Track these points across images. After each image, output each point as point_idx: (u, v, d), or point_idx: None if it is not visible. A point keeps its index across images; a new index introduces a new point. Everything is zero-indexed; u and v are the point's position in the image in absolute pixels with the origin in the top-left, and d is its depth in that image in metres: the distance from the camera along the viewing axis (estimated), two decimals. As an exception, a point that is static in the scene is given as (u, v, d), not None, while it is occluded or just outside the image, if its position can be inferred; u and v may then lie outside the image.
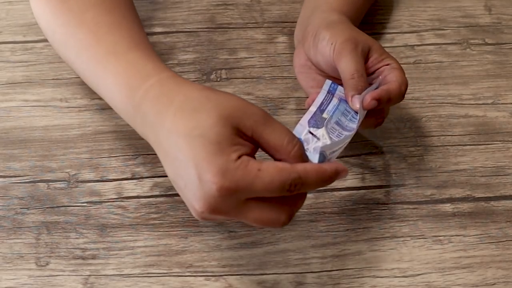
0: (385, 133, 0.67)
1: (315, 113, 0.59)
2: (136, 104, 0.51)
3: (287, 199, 0.48)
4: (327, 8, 0.66)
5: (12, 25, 0.75)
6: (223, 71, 0.72)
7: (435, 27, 0.76)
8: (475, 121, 0.69)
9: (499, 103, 0.70)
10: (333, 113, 0.59)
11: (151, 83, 0.50)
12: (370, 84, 0.60)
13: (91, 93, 0.69)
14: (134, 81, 0.51)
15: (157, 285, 0.58)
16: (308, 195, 0.63)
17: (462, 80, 0.72)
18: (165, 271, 0.59)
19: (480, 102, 0.70)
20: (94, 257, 0.59)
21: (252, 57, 0.73)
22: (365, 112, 0.58)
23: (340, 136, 0.58)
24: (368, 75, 0.61)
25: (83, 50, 0.56)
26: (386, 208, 0.63)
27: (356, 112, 0.58)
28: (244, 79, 0.71)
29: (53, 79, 0.70)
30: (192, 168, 0.46)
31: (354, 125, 0.58)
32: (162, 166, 0.64)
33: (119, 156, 0.65)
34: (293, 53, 0.73)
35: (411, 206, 0.63)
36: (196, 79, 0.71)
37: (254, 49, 0.74)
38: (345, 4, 0.67)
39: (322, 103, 0.59)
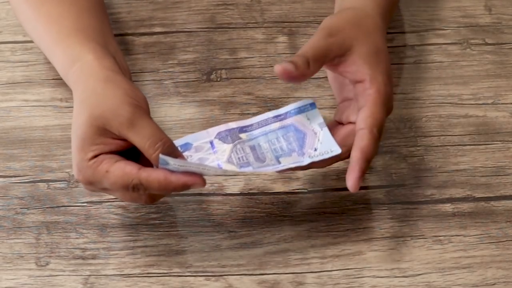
0: (385, 133, 0.67)
1: (231, 129, 0.58)
2: (69, 83, 0.59)
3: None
4: None
5: (12, 25, 0.75)
6: (223, 71, 0.72)
7: (435, 27, 0.76)
8: (475, 121, 0.69)
9: (499, 103, 0.70)
10: (256, 137, 0.58)
11: (74, 69, 0.57)
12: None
13: (91, 93, 0.69)
14: (66, 64, 0.58)
15: (157, 285, 0.58)
16: (308, 195, 0.63)
17: (462, 80, 0.72)
18: (165, 271, 0.59)
19: (480, 102, 0.70)
20: (94, 257, 0.59)
21: (252, 57, 0.73)
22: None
23: (241, 163, 0.56)
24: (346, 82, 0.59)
25: (41, 42, 0.63)
26: (386, 208, 0.63)
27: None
28: (244, 79, 0.71)
29: (53, 79, 0.70)
30: (72, 151, 0.54)
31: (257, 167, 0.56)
32: (162, 166, 0.64)
33: (119, 156, 0.65)
34: (293, 53, 0.73)
35: (411, 206, 0.63)
36: (196, 79, 0.71)
37: (254, 49, 0.74)
38: None
39: (249, 126, 0.58)
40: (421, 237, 0.61)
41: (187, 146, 0.57)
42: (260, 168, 0.56)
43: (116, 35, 0.73)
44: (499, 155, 0.66)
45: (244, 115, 0.68)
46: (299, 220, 0.62)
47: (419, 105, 0.69)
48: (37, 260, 0.59)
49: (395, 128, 0.68)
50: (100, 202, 0.62)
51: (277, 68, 0.55)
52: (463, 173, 0.65)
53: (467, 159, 0.66)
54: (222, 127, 0.58)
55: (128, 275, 0.58)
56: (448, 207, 0.63)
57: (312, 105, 0.58)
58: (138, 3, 0.77)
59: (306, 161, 0.56)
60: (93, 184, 0.54)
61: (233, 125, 0.58)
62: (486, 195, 0.64)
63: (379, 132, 0.56)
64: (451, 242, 0.61)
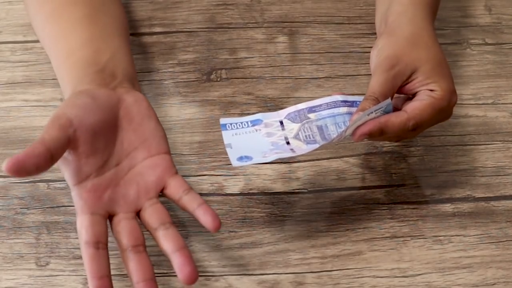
0: (385, 133, 0.67)
1: (301, 110, 0.58)
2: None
3: None
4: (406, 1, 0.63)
5: (12, 25, 0.75)
6: (223, 71, 0.72)
7: (435, 27, 0.76)
8: (475, 121, 0.69)
9: (499, 103, 0.70)
10: (324, 118, 0.58)
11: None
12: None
13: (91, 93, 0.69)
14: (68, 88, 0.58)
15: (157, 285, 0.58)
16: (308, 195, 0.63)
17: (462, 80, 0.72)
18: (165, 271, 0.59)
19: (480, 102, 0.70)
20: (94, 257, 0.59)
21: (252, 57, 0.73)
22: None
23: (308, 140, 0.57)
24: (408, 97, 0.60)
25: (49, 49, 0.64)
26: (386, 208, 0.63)
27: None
28: (244, 79, 0.71)
29: (53, 79, 0.70)
30: None
31: (325, 140, 0.57)
32: (162, 166, 0.64)
33: (119, 156, 0.65)
34: (293, 53, 0.73)
35: (411, 206, 0.63)
36: (196, 79, 0.71)
37: (254, 49, 0.74)
38: None
39: (318, 106, 0.59)
40: (421, 237, 0.61)
41: (257, 121, 0.58)
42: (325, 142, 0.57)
43: (116, 35, 0.74)
44: (499, 155, 0.66)
45: (244, 115, 0.68)
46: (299, 220, 0.62)
47: (419, 105, 0.69)
48: (37, 260, 0.59)
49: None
50: (100, 202, 0.62)
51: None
52: (463, 173, 0.65)
53: (467, 159, 0.66)
54: (292, 109, 0.59)
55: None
56: (448, 207, 0.63)
57: (388, 106, 0.57)
58: (138, 3, 0.77)
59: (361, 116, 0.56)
60: None
61: (302, 106, 0.59)
62: (486, 195, 0.64)
63: (413, 128, 0.57)
64: (451, 242, 0.61)
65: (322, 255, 0.60)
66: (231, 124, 0.57)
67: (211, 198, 0.63)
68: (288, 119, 0.59)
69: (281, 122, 0.59)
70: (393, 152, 0.66)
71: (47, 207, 0.62)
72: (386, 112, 0.57)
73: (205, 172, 0.64)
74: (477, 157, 0.66)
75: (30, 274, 0.59)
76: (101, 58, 0.59)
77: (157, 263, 0.59)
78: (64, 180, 0.63)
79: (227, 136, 0.57)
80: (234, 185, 0.64)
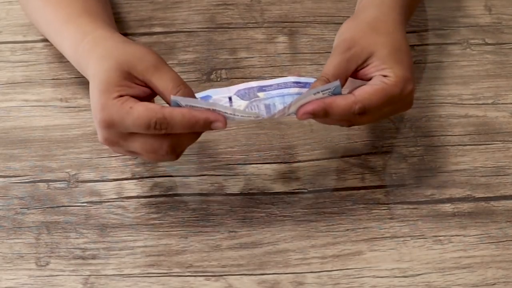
0: (385, 133, 0.67)
1: (251, 88, 0.58)
2: (78, 57, 0.60)
3: (170, 135, 0.54)
4: None
5: (12, 25, 0.75)
6: (223, 71, 0.72)
7: (435, 27, 0.76)
8: (475, 121, 0.69)
9: (499, 103, 0.70)
10: (273, 97, 0.57)
11: (87, 40, 0.59)
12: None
13: (91, 93, 0.69)
14: (78, 39, 0.60)
15: (157, 285, 0.58)
16: (308, 195, 0.63)
17: (462, 80, 0.72)
18: (165, 271, 0.59)
19: (480, 102, 0.70)
20: (94, 257, 0.59)
21: (252, 57, 0.73)
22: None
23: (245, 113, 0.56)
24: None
25: (50, 26, 0.66)
26: (386, 208, 0.63)
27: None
28: (244, 79, 0.71)
29: (53, 79, 0.70)
30: (92, 103, 0.55)
31: (267, 113, 0.56)
32: (162, 166, 0.64)
33: (119, 156, 0.65)
34: (293, 53, 0.73)
35: (411, 206, 0.63)
36: (196, 79, 0.71)
37: (254, 49, 0.74)
38: None
39: (269, 86, 0.58)
40: (421, 237, 0.61)
41: (207, 98, 0.58)
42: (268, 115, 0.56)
43: (116, 35, 0.74)
44: (499, 155, 0.66)
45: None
46: (299, 220, 0.62)
47: (419, 105, 0.69)
48: (37, 260, 0.59)
49: (395, 128, 0.68)
50: (100, 202, 0.62)
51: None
52: (463, 173, 0.65)
53: (467, 159, 0.66)
54: (242, 86, 0.58)
55: (128, 275, 0.58)
56: (448, 207, 0.63)
57: (337, 88, 0.56)
58: (138, 3, 0.77)
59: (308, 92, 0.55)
60: (113, 125, 0.53)
61: (253, 84, 0.58)
62: (486, 195, 0.64)
63: (360, 111, 0.55)
64: (451, 242, 0.61)
65: (322, 255, 0.60)
66: (182, 100, 0.55)
67: (211, 198, 0.63)
68: (238, 96, 0.58)
69: (230, 98, 0.58)
70: (393, 152, 0.66)
71: (47, 207, 0.62)
72: (334, 94, 0.56)
73: (205, 172, 0.64)
74: (477, 157, 0.66)
75: (30, 274, 0.59)
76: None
77: (157, 263, 0.59)
78: (64, 180, 0.63)
79: None
80: (234, 185, 0.64)
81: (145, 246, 0.60)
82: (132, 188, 0.63)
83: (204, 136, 0.66)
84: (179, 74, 0.55)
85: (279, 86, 0.58)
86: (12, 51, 0.73)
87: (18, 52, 0.73)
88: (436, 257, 0.60)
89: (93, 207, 0.62)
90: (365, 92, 0.56)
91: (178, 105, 0.53)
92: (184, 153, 0.65)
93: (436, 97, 0.70)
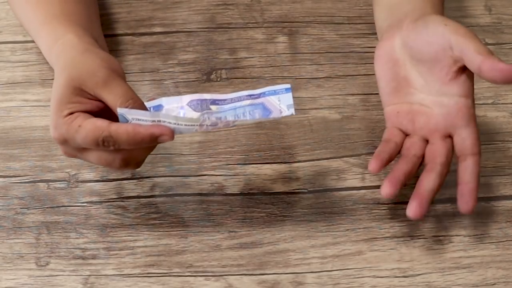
0: (385, 133, 0.67)
1: (204, 100, 0.57)
2: (52, 62, 0.61)
3: (122, 149, 0.54)
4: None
5: (12, 25, 0.75)
6: (223, 71, 0.72)
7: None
8: (475, 121, 0.69)
9: (499, 103, 0.70)
10: (226, 111, 0.57)
11: (57, 45, 0.60)
12: None
13: (91, 93, 0.69)
14: (50, 42, 0.61)
15: (157, 285, 0.58)
16: (308, 195, 0.63)
17: (462, 80, 0.71)
18: (165, 271, 0.59)
19: (480, 102, 0.70)
20: (94, 257, 0.59)
21: (252, 57, 0.73)
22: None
23: (188, 125, 0.55)
24: None
25: (28, 24, 0.66)
26: (386, 208, 0.63)
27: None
28: (244, 79, 0.71)
29: (53, 79, 0.70)
30: (50, 117, 0.55)
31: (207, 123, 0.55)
32: (162, 166, 0.64)
33: (119, 156, 0.65)
34: (293, 53, 0.73)
35: (411, 206, 0.63)
36: (196, 79, 0.71)
37: (254, 49, 0.74)
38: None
39: (222, 100, 0.57)
40: (421, 237, 0.61)
41: (159, 107, 0.58)
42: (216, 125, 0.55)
43: (116, 35, 0.74)
44: (499, 155, 0.66)
45: (244, 115, 0.68)
46: (299, 220, 0.62)
47: (419, 105, 0.69)
48: (37, 260, 0.59)
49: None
50: (100, 202, 0.62)
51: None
52: (463, 173, 0.65)
53: (467, 159, 0.66)
54: (196, 96, 0.58)
55: (128, 275, 0.58)
56: (448, 207, 0.63)
57: (288, 90, 0.57)
58: (138, 3, 0.77)
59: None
60: (67, 142, 0.55)
61: (207, 96, 0.58)
62: (486, 195, 0.64)
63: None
64: (451, 242, 0.61)
65: (322, 255, 0.60)
66: (127, 113, 0.54)
67: (211, 198, 0.63)
68: (190, 106, 0.57)
69: (182, 108, 0.58)
70: (393, 152, 0.66)
71: (47, 207, 0.62)
72: (278, 94, 0.57)
73: (205, 172, 0.64)
74: (477, 157, 0.66)
75: (30, 274, 0.59)
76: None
77: (157, 263, 0.59)
78: (64, 180, 0.63)
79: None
80: (234, 185, 0.64)
81: (145, 246, 0.60)
82: (132, 188, 0.63)
83: (204, 136, 0.67)
84: (179, 74, 0.54)
85: (232, 101, 0.58)
86: (12, 51, 0.73)
87: (18, 52, 0.73)
88: (436, 257, 0.60)
89: (93, 207, 0.62)
90: (475, 139, 0.58)
91: (125, 118, 0.53)
92: (184, 153, 0.65)
93: (436, 97, 0.70)
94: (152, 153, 0.64)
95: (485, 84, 0.71)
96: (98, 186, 0.63)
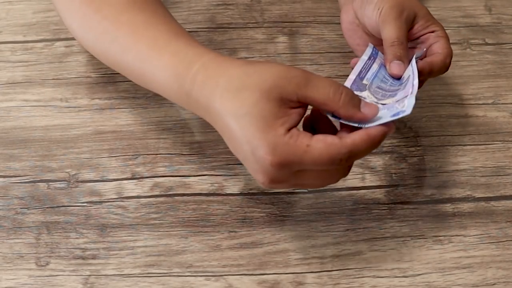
0: (385, 133, 0.67)
1: (355, 80, 0.56)
2: (187, 92, 0.52)
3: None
4: None
5: (12, 25, 0.75)
6: (223, 71, 0.72)
7: None
8: (475, 121, 0.69)
9: (499, 103, 0.70)
10: (373, 79, 0.57)
11: (196, 69, 0.51)
12: (414, 48, 0.61)
13: (91, 93, 0.69)
14: (181, 70, 0.52)
15: (157, 285, 0.58)
16: (308, 195, 0.63)
17: (462, 80, 0.72)
18: (165, 271, 0.59)
19: (480, 102, 0.70)
20: (94, 257, 0.59)
21: (252, 57, 0.73)
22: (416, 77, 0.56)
23: (385, 95, 0.56)
24: (412, 41, 0.61)
25: (127, 52, 0.56)
26: (386, 208, 0.63)
27: (395, 78, 0.58)
28: (244, 79, 0.71)
29: (53, 79, 0.70)
30: (246, 145, 0.48)
31: (396, 89, 0.57)
32: (162, 166, 0.64)
33: (119, 156, 0.65)
34: (293, 53, 0.73)
35: (411, 206, 0.63)
36: (196, 79, 0.71)
37: (254, 49, 0.74)
38: None
39: (361, 71, 0.58)
40: (421, 237, 0.61)
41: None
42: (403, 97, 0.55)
43: (116, 35, 0.74)
44: (499, 155, 0.66)
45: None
46: (299, 220, 0.62)
47: (419, 105, 0.69)
48: (37, 260, 0.59)
49: (395, 128, 0.68)
50: (100, 202, 0.62)
51: (395, 70, 0.58)
52: (463, 173, 0.65)
53: (467, 159, 0.66)
54: (348, 82, 0.56)
55: (128, 275, 0.58)
56: (448, 207, 0.63)
57: (375, 49, 0.60)
58: (138, 3, 0.77)
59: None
60: (290, 166, 0.47)
61: (352, 76, 0.57)
62: (486, 195, 0.64)
63: (449, 64, 0.60)
64: (451, 242, 0.61)
65: (322, 255, 0.60)
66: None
67: (211, 198, 0.63)
68: (356, 90, 0.56)
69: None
70: (393, 152, 0.66)
71: (47, 207, 0.62)
72: (376, 57, 0.59)
73: (205, 172, 0.64)
74: (477, 157, 0.66)
75: (30, 274, 0.59)
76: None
77: (157, 263, 0.59)
78: (64, 180, 0.64)
79: None
80: (234, 185, 0.64)
81: (145, 246, 0.60)
82: (132, 188, 0.63)
83: (204, 136, 0.66)
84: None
85: (366, 69, 0.58)
86: (12, 51, 0.73)
87: (18, 52, 0.73)
88: (436, 257, 0.60)
89: (93, 207, 0.62)
90: (442, 47, 0.60)
91: (334, 116, 0.50)
92: (184, 153, 0.65)
93: (436, 97, 0.70)
94: (151, 153, 0.65)
95: (485, 84, 0.71)
96: (98, 186, 0.63)
